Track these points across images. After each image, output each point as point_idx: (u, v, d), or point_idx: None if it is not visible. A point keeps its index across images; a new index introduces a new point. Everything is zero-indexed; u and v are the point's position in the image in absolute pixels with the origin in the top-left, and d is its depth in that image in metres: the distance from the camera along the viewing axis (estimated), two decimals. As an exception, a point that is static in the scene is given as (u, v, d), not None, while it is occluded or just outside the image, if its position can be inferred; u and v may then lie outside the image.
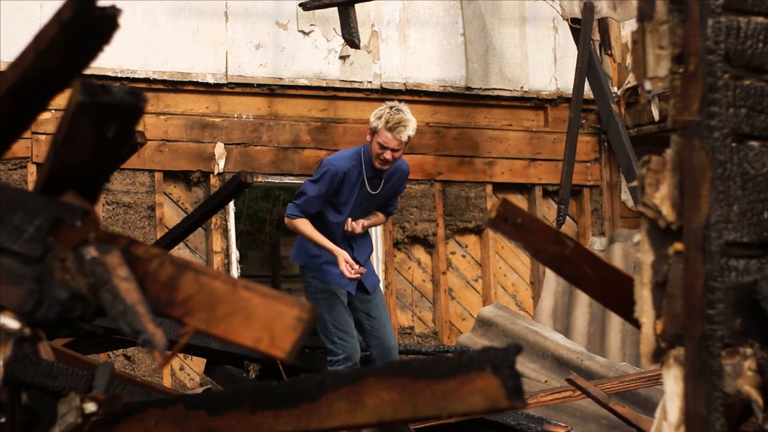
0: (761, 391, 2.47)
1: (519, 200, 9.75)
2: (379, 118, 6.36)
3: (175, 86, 8.74)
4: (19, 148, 8.02)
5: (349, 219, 6.46)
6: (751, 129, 2.51)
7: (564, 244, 2.84)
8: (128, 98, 2.48)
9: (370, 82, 9.29)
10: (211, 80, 8.81)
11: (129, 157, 5.29)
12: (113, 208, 8.50)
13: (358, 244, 6.59)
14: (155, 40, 8.66)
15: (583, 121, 9.83)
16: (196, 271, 2.58)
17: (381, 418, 2.43)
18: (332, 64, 9.20)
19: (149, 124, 8.49)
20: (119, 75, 8.52)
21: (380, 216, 6.78)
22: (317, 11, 8.83)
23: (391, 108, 6.39)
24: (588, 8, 9.46)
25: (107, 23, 2.46)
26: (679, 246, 2.50)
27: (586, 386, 5.69)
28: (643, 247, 2.53)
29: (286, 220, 6.48)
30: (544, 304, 9.28)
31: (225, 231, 8.76)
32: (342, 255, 6.33)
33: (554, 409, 6.81)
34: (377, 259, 9.22)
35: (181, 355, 8.21)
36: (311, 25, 9.12)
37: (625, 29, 9.85)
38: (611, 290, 2.91)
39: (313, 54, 9.14)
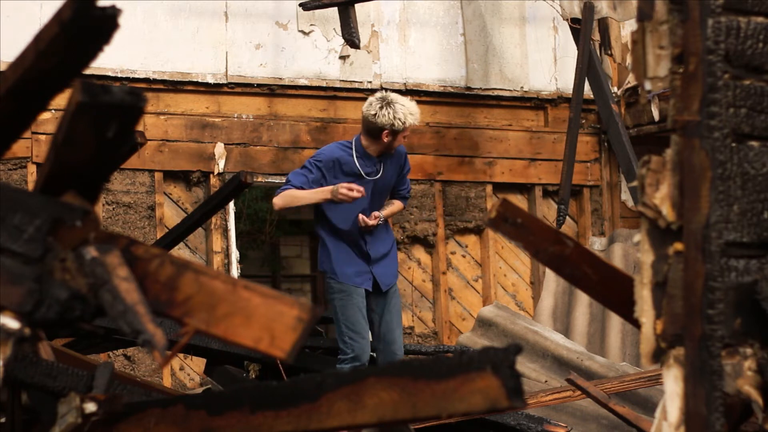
0: (761, 391, 2.47)
1: (519, 200, 9.75)
2: (398, 117, 6.37)
3: (175, 86, 8.74)
4: (19, 148, 8.02)
5: (360, 215, 6.45)
6: (751, 129, 2.51)
7: (564, 244, 2.84)
8: (128, 98, 2.48)
9: (370, 82, 9.29)
10: (211, 80, 8.81)
11: (129, 157, 5.29)
12: (113, 208, 8.50)
13: (373, 238, 6.56)
14: (155, 40, 8.66)
15: (583, 121, 9.83)
16: (196, 271, 2.58)
17: (381, 418, 2.43)
18: (332, 64, 9.20)
19: (149, 124, 8.49)
20: (119, 75, 8.51)
21: (396, 203, 6.76)
22: (317, 11, 8.83)
23: (390, 104, 6.38)
24: (588, 8, 9.46)
25: (107, 23, 2.46)
26: (679, 246, 2.50)
27: (586, 386, 5.69)
28: (643, 247, 2.53)
29: (275, 203, 6.44)
30: (544, 304, 9.28)
31: (225, 231, 8.76)
32: (333, 187, 6.32)
33: (554, 409, 6.81)
34: (377, 259, 9.21)
35: (181, 355, 8.21)
36: (311, 25, 9.12)
37: (625, 29, 9.85)
38: (611, 290, 2.91)
39: (313, 54, 9.14)
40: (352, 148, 6.50)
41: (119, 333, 4.62)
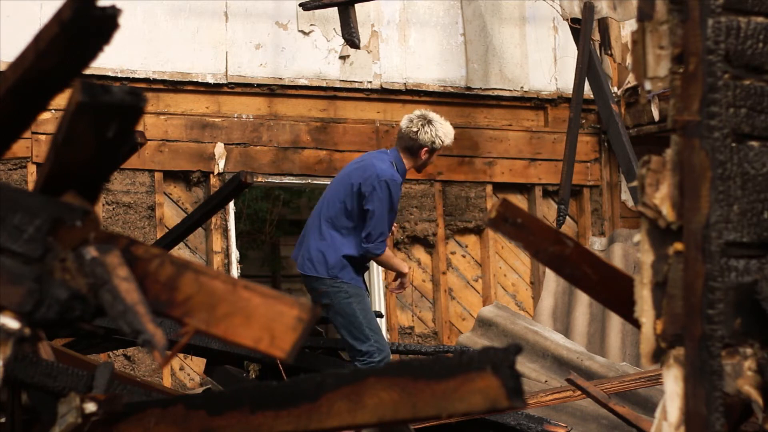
0: (761, 391, 2.47)
1: (519, 200, 9.75)
2: (437, 135, 6.53)
3: (175, 86, 8.74)
4: (19, 148, 8.02)
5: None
6: (751, 129, 2.51)
7: (564, 244, 2.84)
8: (128, 98, 2.48)
9: (370, 82, 9.29)
10: (211, 80, 8.81)
11: (129, 157, 5.29)
12: (113, 208, 8.50)
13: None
14: (155, 40, 8.66)
15: (583, 121, 9.83)
16: (196, 271, 2.58)
17: (381, 418, 2.43)
18: (332, 64, 9.20)
19: (149, 124, 8.49)
20: (119, 75, 8.51)
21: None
22: (317, 11, 8.83)
23: (431, 122, 6.55)
24: (588, 8, 9.46)
25: (107, 23, 2.46)
26: (679, 246, 2.50)
27: (586, 386, 5.69)
28: (643, 247, 2.53)
29: (378, 258, 6.59)
30: (544, 304, 9.28)
31: (225, 231, 8.76)
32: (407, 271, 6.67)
33: (554, 409, 6.81)
34: (377, 259, 9.21)
35: (181, 355, 8.21)
36: (311, 25, 9.12)
37: (625, 29, 9.85)
38: (611, 290, 2.91)
39: (313, 54, 9.14)
40: (394, 166, 6.56)
41: (119, 333, 4.62)
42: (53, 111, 7.82)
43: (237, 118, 8.88)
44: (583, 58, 9.40)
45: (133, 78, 8.54)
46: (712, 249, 2.44)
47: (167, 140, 8.64)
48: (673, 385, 2.48)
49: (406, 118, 6.66)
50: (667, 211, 2.50)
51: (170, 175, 8.69)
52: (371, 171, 6.50)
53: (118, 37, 2.52)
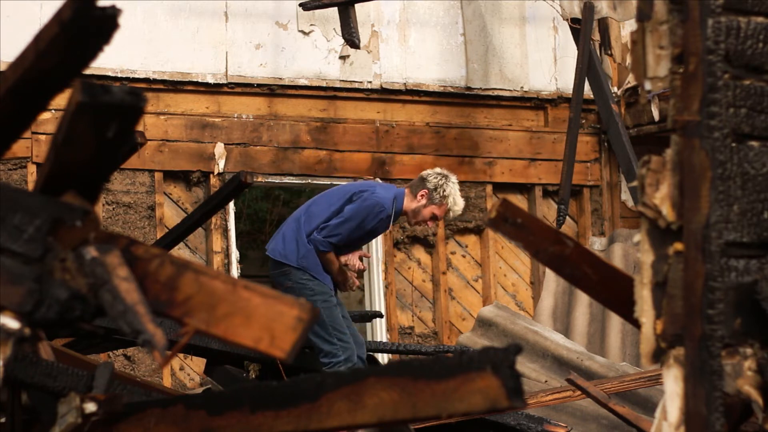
0: (761, 391, 2.47)
1: (519, 200, 9.75)
2: (446, 195, 6.50)
3: (175, 86, 8.74)
4: (19, 148, 8.02)
5: (357, 261, 6.56)
6: (751, 129, 2.51)
7: (564, 244, 2.84)
8: (128, 98, 2.48)
9: (370, 82, 9.29)
10: (211, 80, 8.81)
11: (129, 157, 5.29)
12: (113, 208, 8.50)
13: None
14: (155, 40, 8.66)
15: (583, 121, 9.83)
16: (196, 271, 2.58)
17: (381, 418, 2.43)
18: (332, 64, 9.20)
19: (149, 124, 8.49)
20: (119, 75, 8.52)
21: None
22: (317, 11, 8.83)
23: (452, 182, 6.52)
24: (588, 8, 9.46)
25: (107, 23, 2.46)
26: (679, 246, 2.50)
27: (586, 386, 5.69)
28: (643, 247, 2.53)
29: (321, 252, 6.48)
30: (544, 304, 9.28)
31: (225, 231, 8.76)
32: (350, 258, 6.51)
33: (554, 409, 6.81)
34: (377, 259, 9.22)
35: (181, 355, 8.21)
36: (311, 25, 9.12)
37: (625, 29, 9.85)
38: (611, 290, 2.91)
39: (313, 54, 9.14)
40: (394, 201, 6.54)
41: (119, 333, 4.62)
42: (53, 111, 7.82)
43: (237, 118, 8.88)
44: (583, 58, 9.40)
45: (133, 78, 8.54)
46: (712, 249, 2.44)
47: (167, 140, 8.64)
48: (673, 385, 2.48)
49: (434, 169, 6.70)
50: (667, 211, 2.50)
51: (170, 175, 8.69)
52: (370, 188, 6.58)
53: (118, 37, 2.52)
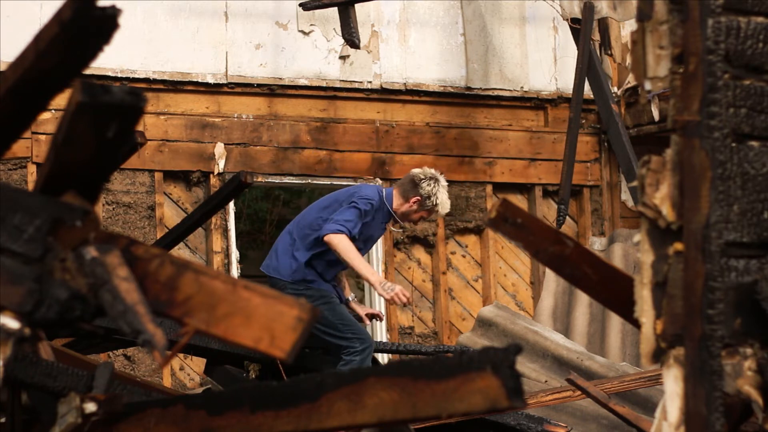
0: (761, 391, 2.47)
1: (519, 200, 9.75)
2: (438, 204, 6.56)
3: (175, 86, 8.74)
4: (19, 148, 8.02)
5: (401, 295, 6.42)
6: (751, 129, 2.51)
7: (564, 244, 2.84)
8: (128, 98, 2.48)
9: (370, 82, 9.29)
10: (211, 80, 8.81)
11: (129, 157, 5.29)
12: (113, 208, 8.50)
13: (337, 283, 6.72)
14: (155, 40, 8.66)
15: (583, 121, 9.83)
16: (196, 271, 2.58)
17: (381, 418, 2.43)
18: (332, 64, 9.20)
19: (149, 124, 8.49)
20: (119, 75, 8.51)
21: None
22: (317, 11, 8.82)
23: (441, 186, 6.58)
24: (588, 8, 9.46)
25: (107, 23, 2.46)
26: (679, 246, 2.50)
27: (586, 386, 5.69)
28: (643, 247, 2.53)
29: (331, 235, 6.32)
30: (544, 304, 9.28)
31: (225, 231, 8.76)
32: (387, 285, 6.42)
33: (554, 409, 6.81)
34: (377, 259, 9.22)
35: (181, 355, 8.21)
36: (311, 25, 9.12)
37: (625, 29, 9.85)
38: (611, 290, 2.91)
39: (313, 54, 9.14)
40: (382, 199, 6.58)
41: (119, 333, 4.62)
42: (53, 111, 7.82)
43: (237, 118, 8.88)
44: (583, 58, 9.40)
45: (133, 78, 8.54)
46: (712, 249, 2.44)
47: (167, 140, 8.64)
48: (673, 385, 2.48)
49: (419, 168, 6.73)
50: (667, 211, 2.50)
51: (170, 175, 8.69)
52: (356, 189, 6.62)
53: (118, 37, 2.52)
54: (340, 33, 8.68)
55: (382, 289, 6.36)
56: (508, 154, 9.69)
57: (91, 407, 2.84)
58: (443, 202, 6.59)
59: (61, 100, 2.66)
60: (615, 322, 8.78)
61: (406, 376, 2.40)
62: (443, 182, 6.64)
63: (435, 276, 9.43)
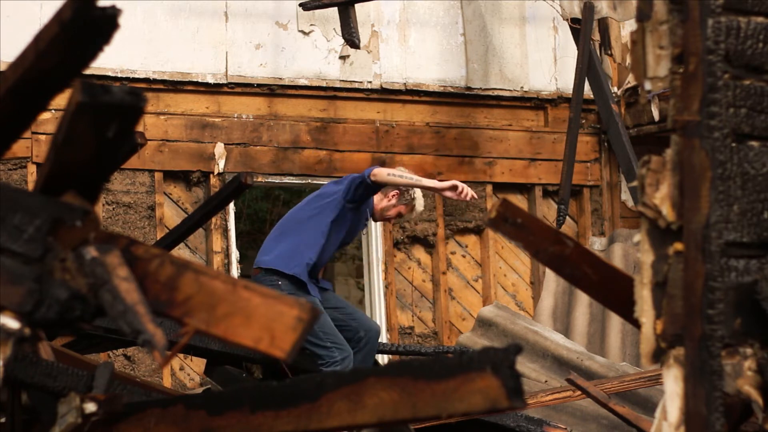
0: (761, 391, 2.47)
1: (519, 200, 9.75)
2: (415, 198, 6.64)
3: (175, 86, 8.74)
4: (19, 148, 8.02)
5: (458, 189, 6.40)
6: (751, 129, 2.51)
7: (564, 244, 2.84)
8: (128, 98, 2.48)
9: (370, 82, 9.29)
10: (211, 80, 8.81)
11: (129, 158, 5.29)
12: (113, 208, 8.50)
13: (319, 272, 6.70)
14: (155, 40, 8.66)
15: (583, 121, 9.83)
16: (196, 271, 2.58)
17: (381, 418, 2.43)
18: (332, 64, 9.20)
19: (149, 124, 8.49)
20: (119, 75, 8.52)
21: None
22: (317, 11, 8.83)
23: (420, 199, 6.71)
24: (588, 8, 9.46)
25: (107, 23, 2.46)
26: (679, 246, 2.50)
27: (586, 386, 5.69)
28: (643, 247, 2.53)
29: (377, 173, 6.30)
30: (544, 304, 9.28)
31: (225, 231, 8.76)
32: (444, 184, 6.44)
33: (554, 409, 6.81)
34: (377, 259, 9.22)
35: (181, 355, 8.21)
36: (311, 25, 9.12)
37: (625, 29, 9.85)
38: (611, 290, 2.91)
39: (313, 54, 9.14)
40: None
41: (119, 333, 4.62)
42: (53, 111, 7.82)
43: (237, 118, 8.88)
44: (583, 58, 9.40)
45: (133, 78, 8.54)
46: (712, 249, 2.44)
47: (167, 140, 8.64)
48: (673, 385, 2.48)
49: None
50: (667, 211, 2.50)
51: (170, 175, 8.69)
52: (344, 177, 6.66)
53: (118, 37, 2.52)
54: (340, 33, 8.68)
55: (449, 189, 6.39)
56: (508, 154, 9.69)
57: (91, 407, 2.85)
58: (419, 198, 6.68)
59: (61, 100, 2.66)
60: (615, 322, 8.78)
61: (406, 376, 2.40)
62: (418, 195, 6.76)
63: (435, 276, 9.43)
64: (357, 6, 8.48)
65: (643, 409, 6.76)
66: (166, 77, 8.68)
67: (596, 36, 9.79)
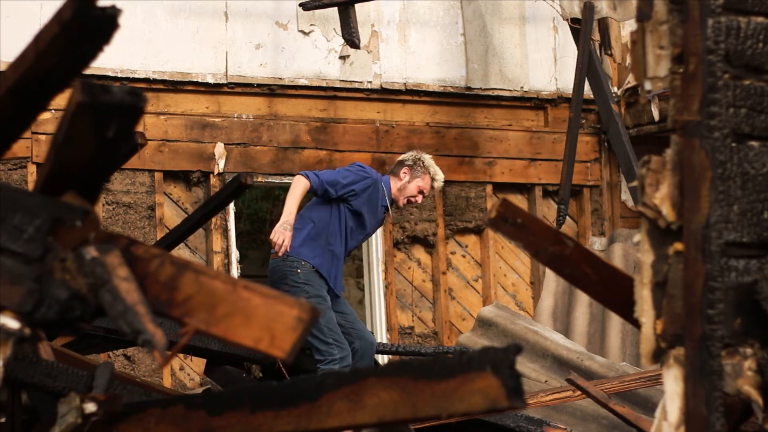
0: (761, 391, 2.47)
1: (519, 200, 9.75)
2: (427, 166, 6.68)
3: (175, 86, 8.74)
4: (19, 148, 8.02)
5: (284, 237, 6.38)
6: (751, 129, 2.51)
7: (564, 244, 2.84)
8: (128, 98, 2.48)
9: (370, 82, 9.29)
10: (211, 80, 8.81)
11: (129, 158, 5.29)
12: (113, 208, 8.50)
13: (339, 274, 6.69)
14: (155, 40, 8.66)
15: (583, 121, 9.83)
16: (196, 271, 2.58)
17: (381, 418, 2.43)
18: (332, 64, 9.20)
19: (149, 124, 8.49)
20: (119, 75, 8.51)
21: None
22: (317, 11, 8.83)
23: (426, 158, 6.72)
24: (588, 8, 9.46)
25: (107, 23, 2.46)
26: (679, 246, 2.50)
27: (586, 386, 5.69)
28: (643, 247, 2.53)
29: (298, 177, 6.46)
30: (544, 304, 9.28)
31: (225, 231, 8.76)
32: (286, 225, 6.35)
33: (554, 409, 6.81)
34: (377, 259, 9.22)
35: (181, 355, 8.21)
36: (311, 25, 9.12)
37: (625, 29, 9.85)
38: (611, 290, 2.91)
39: (313, 54, 9.14)
40: (382, 187, 6.65)
41: (119, 333, 4.62)
42: (53, 111, 7.82)
43: (237, 118, 8.88)
44: (583, 58, 9.40)
45: (133, 78, 8.54)
46: (712, 249, 2.44)
47: (167, 140, 8.64)
48: (673, 385, 2.48)
49: (407, 154, 6.88)
50: (667, 211, 2.50)
51: (170, 175, 8.69)
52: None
53: (118, 37, 2.52)
54: (340, 33, 8.68)
55: (275, 229, 6.37)
56: (508, 154, 9.69)
57: (91, 407, 2.85)
58: (434, 167, 6.70)
59: (61, 100, 2.66)
60: (615, 322, 8.78)
61: (406, 376, 2.40)
62: (427, 155, 6.79)
63: (435, 276, 9.43)
64: (357, 6, 8.48)
65: (643, 409, 6.76)
66: (166, 77, 8.67)
67: (596, 36, 9.79)
